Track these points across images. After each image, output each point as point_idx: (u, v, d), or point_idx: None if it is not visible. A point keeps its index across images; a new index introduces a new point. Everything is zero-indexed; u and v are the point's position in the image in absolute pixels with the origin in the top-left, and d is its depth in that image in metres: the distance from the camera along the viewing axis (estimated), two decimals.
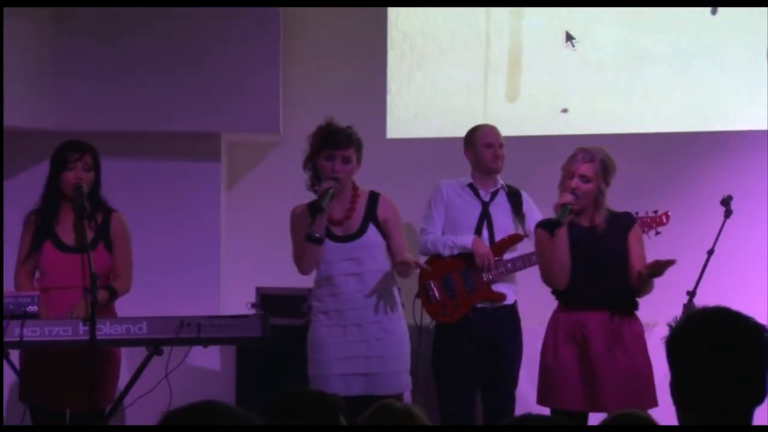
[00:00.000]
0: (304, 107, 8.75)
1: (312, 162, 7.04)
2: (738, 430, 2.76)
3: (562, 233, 7.01)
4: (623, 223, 7.16)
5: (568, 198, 7.02)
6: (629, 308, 7.12)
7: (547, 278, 7.16)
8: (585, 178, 7.06)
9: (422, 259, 7.76)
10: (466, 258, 7.85)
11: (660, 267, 6.90)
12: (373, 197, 7.14)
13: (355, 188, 7.12)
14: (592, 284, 7.04)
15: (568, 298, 7.11)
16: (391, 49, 9.00)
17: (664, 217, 7.40)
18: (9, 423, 7.95)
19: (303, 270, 7.08)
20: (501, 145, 7.93)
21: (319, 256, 7.00)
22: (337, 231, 7.04)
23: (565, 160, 7.10)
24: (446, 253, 7.85)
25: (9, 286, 7.26)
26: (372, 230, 7.08)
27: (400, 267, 7.07)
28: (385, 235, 7.09)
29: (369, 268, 7.06)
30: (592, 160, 7.09)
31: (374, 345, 7.01)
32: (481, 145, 7.91)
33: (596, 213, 7.13)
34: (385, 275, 7.08)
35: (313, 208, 6.92)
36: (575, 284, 7.06)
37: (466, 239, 7.83)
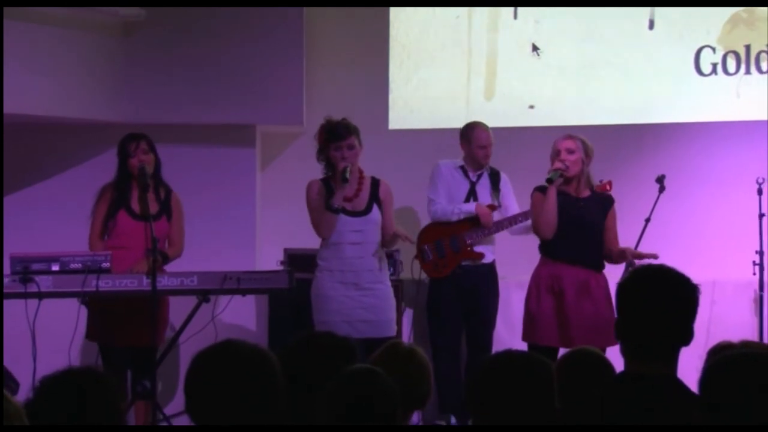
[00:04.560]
0: (323, 104, 8.75)
1: (324, 154, 7.08)
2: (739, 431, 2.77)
3: (552, 194, 7.09)
4: (605, 201, 7.25)
5: (559, 165, 7.10)
6: (598, 266, 7.18)
7: (537, 230, 7.27)
8: (569, 150, 7.16)
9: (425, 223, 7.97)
10: (453, 226, 7.90)
11: (641, 256, 7.01)
12: (375, 182, 7.20)
13: (360, 172, 7.16)
14: (571, 244, 7.13)
15: (550, 252, 7.18)
16: (392, 57, 9.01)
17: (608, 185, 7.43)
18: (84, 362, 7.96)
19: (322, 234, 7.12)
20: (491, 144, 7.97)
21: (335, 223, 7.02)
22: (348, 206, 7.08)
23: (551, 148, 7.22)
24: (454, 219, 7.89)
25: (64, 247, 7.31)
26: (376, 210, 7.13)
27: (391, 238, 7.15)
28: (381, 213, 7.14)
29: (369, 240, 7.11)
30: (572, 137, 7.19)
31: (369, 298, 7.04)
32: (476, 146, 7.96)
33: (582, 186, 7.20)
34: (378, 245, 7.14)
35: (342, 180, 6.96)
36: (558, 241, 7.13)
37: (470, 206, 7.90)
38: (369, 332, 6.89)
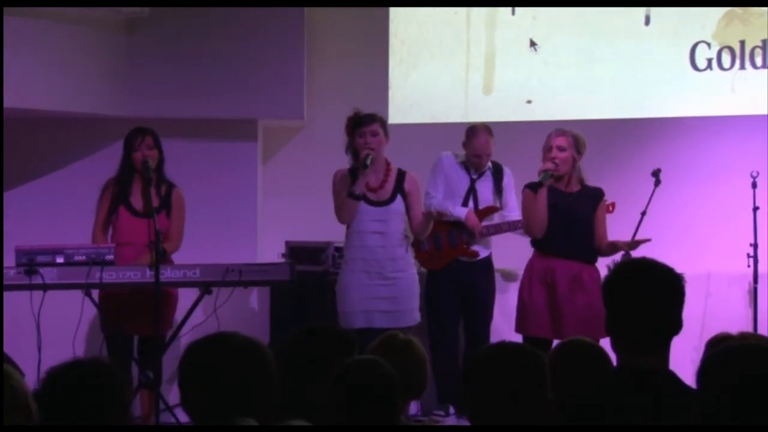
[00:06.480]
0: (323, 99, 8.79)
1: (351, 147, 7.13)
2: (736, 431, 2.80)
3: (543, 195, 7.09)
4: (594, 195, 7.25)
5: (549, 165, 7.10)
6: (590, 259, 7.19)
7: (527, 228, 7.26)
8: (560, 148, 7.16)
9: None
10: (453, 222, 7.90)
11: (637, 244, 7.02)
12: (401, 173, 7.23)
13: (387, 164, 7.21)
14: (563, 238, 7.12)
15: (543, 246, 7.19)
16: (392, 53, 9.02)
17: (610, 206, 7.43)
18: (88, 353, 7.98)
19: (342, 220, 7.15)
20: (488, 154, 7.90)
21: (356, 210, 7.05)
22: (372, 196, 7.11)
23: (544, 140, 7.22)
24: (444, 219, 7.89)
25: (70, 239, 7.35)
26: (399, 200, 7.16)
27: (423, 223, 7.13)
28: (407, 205, 7.17)
29: (392, 230, 7.13)
30: (564, 134, 7.19)
31: (391, 288, 7.06)
32: (471, 154, 7.90)
33: (572, 181, 7.21)
34: (402, 236, 7.15)
35: (362, 166, 7.00)
36: (550, 236, 7.13)
37: (462, 212, 7.86)
38: (388, 323, 6.89)
